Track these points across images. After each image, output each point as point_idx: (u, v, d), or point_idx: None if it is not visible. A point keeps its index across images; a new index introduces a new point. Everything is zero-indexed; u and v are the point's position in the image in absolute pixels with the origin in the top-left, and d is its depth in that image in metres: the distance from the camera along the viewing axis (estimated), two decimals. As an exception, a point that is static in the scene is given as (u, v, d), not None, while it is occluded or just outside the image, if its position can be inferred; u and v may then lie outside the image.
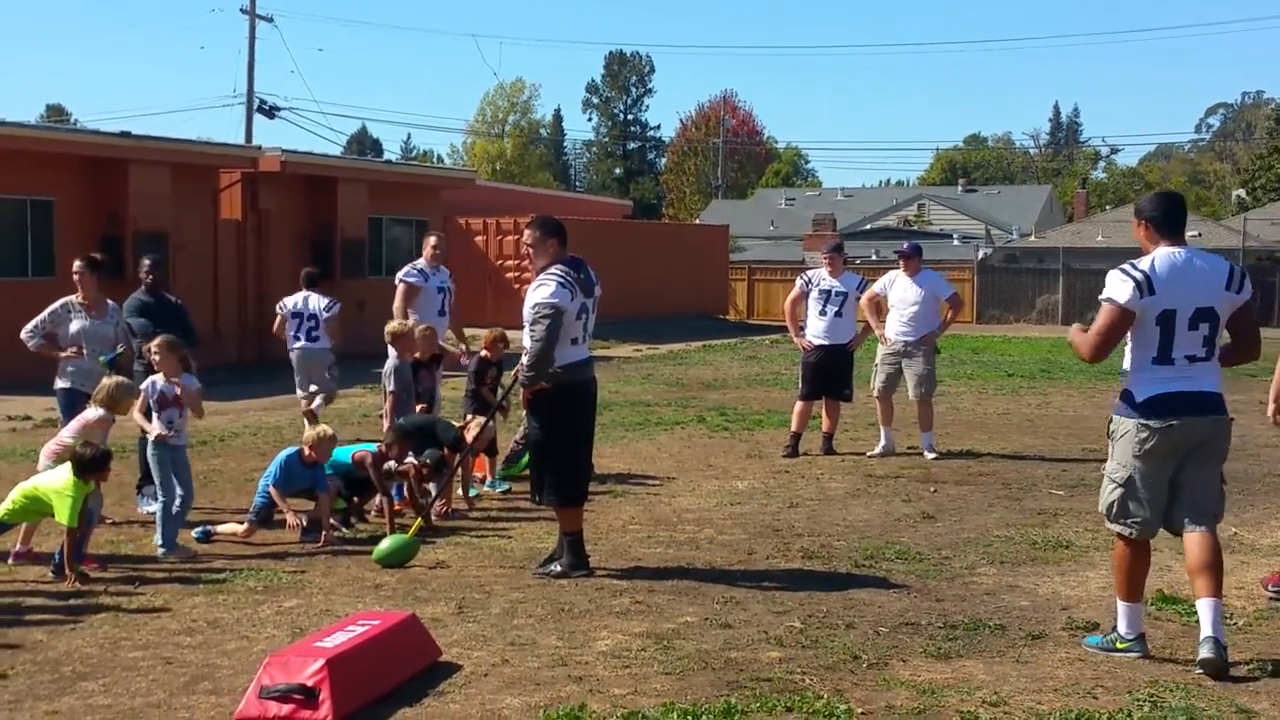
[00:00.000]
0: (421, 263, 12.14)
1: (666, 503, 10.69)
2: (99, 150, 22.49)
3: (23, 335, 10.12)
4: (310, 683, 5.53)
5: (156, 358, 9.07)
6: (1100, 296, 6.45)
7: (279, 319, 13.68)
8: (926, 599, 7.62)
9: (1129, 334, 6.41)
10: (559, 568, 8.15)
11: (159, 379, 9.00)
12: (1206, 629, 6.25)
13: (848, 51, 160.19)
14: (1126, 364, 6.51)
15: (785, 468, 12.53)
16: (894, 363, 13.35)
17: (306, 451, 9.25)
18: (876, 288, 13.51)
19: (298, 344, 13.53)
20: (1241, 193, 70.77)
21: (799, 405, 13.54)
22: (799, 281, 13.76)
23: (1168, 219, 6.55)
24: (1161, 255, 6.41)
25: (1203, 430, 6.41)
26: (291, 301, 13.57)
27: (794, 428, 13.47)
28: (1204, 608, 6.31)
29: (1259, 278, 42.25)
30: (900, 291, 13.33)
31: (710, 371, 24.06)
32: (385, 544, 8.56)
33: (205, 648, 6.63)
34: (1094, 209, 69.75)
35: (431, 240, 12.30)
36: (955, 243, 55.53)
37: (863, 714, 5.63)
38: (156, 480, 8.88)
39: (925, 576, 8.17)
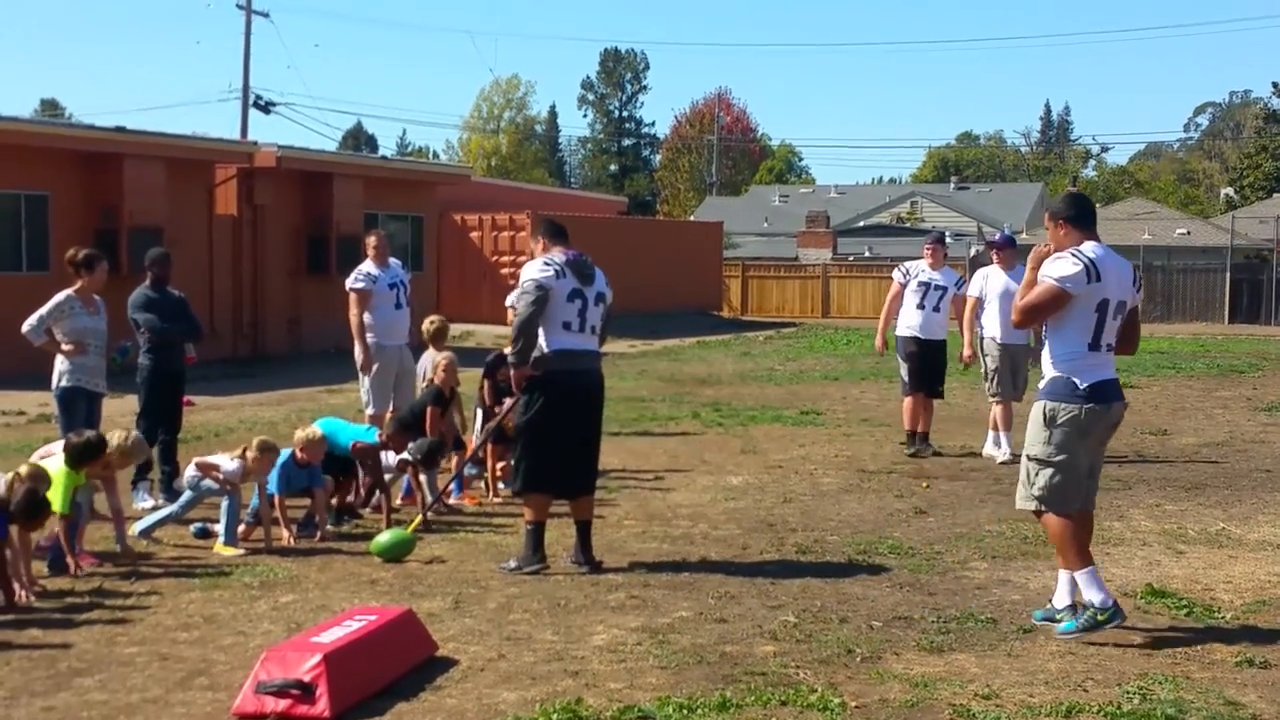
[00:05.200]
0: (367, 265, 12.00)
1: (661, 498, 10.73)
2: (94, 145, 22.48)
3: (25, 330, 10.00)
4: (307, 678, 5.57)
5: (305, 452, 9.22)
6: (1047, 273, 6.72)
7: None
8: (919, 593, 7.67)
9: (1059, 320, 6.76)
10: (514, 563, 8.17)
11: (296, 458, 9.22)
12: (1069, 598, 6.86)
13: (841, 49, 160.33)
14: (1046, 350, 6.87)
15: (779, 463, 12.57)
16: (1007, 361, 12.79)
17: (298, 454, 9.24)
18: (973, 290, 12.95)
19: None
20: (1230, 191, 70.90)
21: (908, 401, 13.17)
22: (897, 274, 13.36)
23: (1085, 216, 6.94)
24: (1095, 247, 6.80)
25: (1120, 415, 6.96)
26: None
27: (908, 426, 13.18)
28: (1071, 579, 6.85)
29: (1247, 276, 42.46)
30: (995, 287, 12.74)
31: (704, 368, 24.10)
32: (384, 537, 8.58)
33: (201, 643, 6.67)
34: (1086, 206, 69.73)
35: (372, 240, 12.09)
36: (947, 240, 55.56)
37: (856, 707, 5.67)
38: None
39: (918, 571, 8.22)
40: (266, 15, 46.40)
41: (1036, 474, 6.81)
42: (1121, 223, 49.97)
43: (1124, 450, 13.48)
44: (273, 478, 9.12)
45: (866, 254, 52.91)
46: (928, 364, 13.07)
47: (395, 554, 8.43)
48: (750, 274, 46.53)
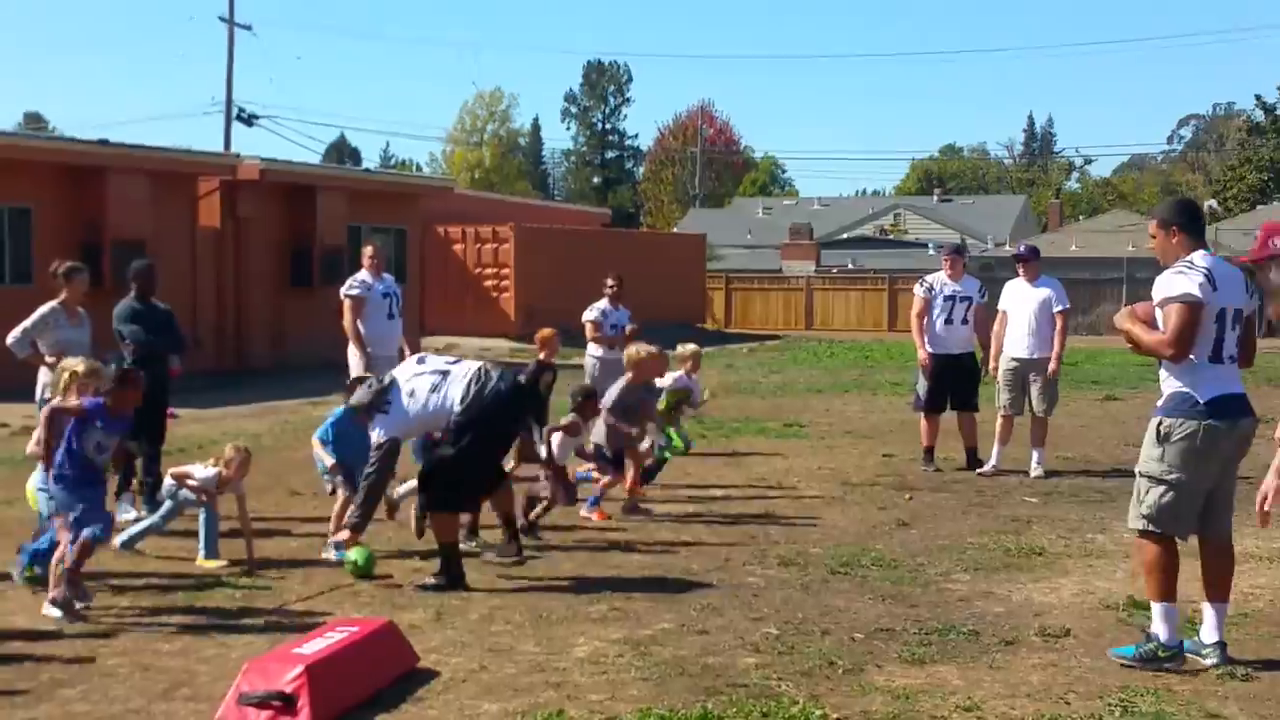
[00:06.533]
0: (362, 274, 12.26)
1: (643, 510, 10.72)
2: (77, 158, 22.46)
3: (9, 343, 10.01)
4: (289, 689, 5.56)
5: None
6: (1166, 296, 6.32)
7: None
8: (901, 605, 7.68)
9: None
10: (432, 580, 8.07)
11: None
12: (1217, 634, 6.50)
13: (824, 61, 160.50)
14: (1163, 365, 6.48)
15: (762, 475, 12.58)
16: (1018, 375, 12.57)
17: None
18: (1002, 303, 12.68)
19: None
20: (1213, 203, 71.03)
21: (923, 418, 12.96)
22: (919, 289, 13.03)
23: (1196, 223, 6.60)
24: (1204, 255, 6.44)
25: (1249, 432, 6.50)
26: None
27: (925, 442, 12.93)
28: (1219, 612, 6.53)
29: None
30: (1017, 300, 12.56)
31: (688, 380, 24.08)
32: (356, 555, 8.42)
33: (184, 654, 6.65)
34: (1068, 219, 70.17)
35: (368, 250, 12.54)
36: (931, 252, 55.67)
37: (838, 719, 5.68)
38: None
39: (900, 583, 8.23)
40: (249, 28, 46.36)
41: (1147, 491, 6.44)
42: (1106, 234, 50.17)
43: (1105, 462, 13.53)
44: (326, 425, 9.13)
45: (850, 266, 53.03)
46: (953, 379, 12.76)
47: (368, 571, 8.33)
48: (734, 286, 46.60)
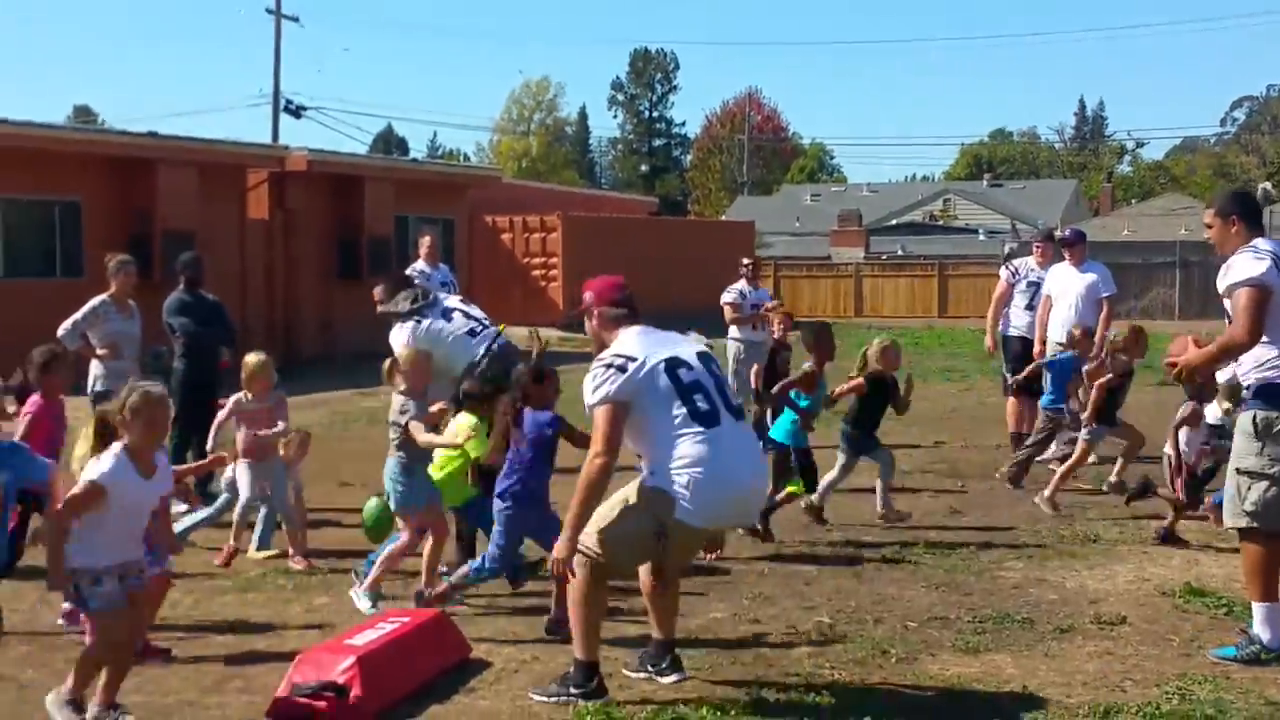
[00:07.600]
0: (420, 264, 12.40)
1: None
2: (126, 150, 22.58)
3: (61, 334, 10.07)
4: (341, 680, 5.58)
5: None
6: (1230, 282, 6.24)
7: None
8: (955, 593, 7.62)
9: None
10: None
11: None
12: None
13: (872, 47, 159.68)
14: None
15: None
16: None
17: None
18: (1047, 287, 12.36)
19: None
20: (1268, 185, 70.15)
21: (1011, 402, 12.65)
22: (1004, 273, 12.98)
23: (1254, 213, 6.52)
24: (1266, 241, 6.34)
25: None
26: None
27: (1012, 427, 12.61)
28: (1273, 611, 6.29)
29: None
30: (1062, 284, 12.22)
31: (736, 368, 24.03)
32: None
33: (236, 646, 6.68)
34: (1120, 203, 69.50)
35: (426, 240, 12.84)
36: (981, 237, 55.40)
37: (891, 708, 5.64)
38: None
39: (953, 571, 8.17)
40: (297, 20, 46.60)
41: (1249, 488, 6.23)
42: (1158, 218, 49.67)
43: (1158, 449, 13.35)
44: None
45: (899, 252, 52.76)
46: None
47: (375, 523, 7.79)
48: (782, 273, 46.37)
